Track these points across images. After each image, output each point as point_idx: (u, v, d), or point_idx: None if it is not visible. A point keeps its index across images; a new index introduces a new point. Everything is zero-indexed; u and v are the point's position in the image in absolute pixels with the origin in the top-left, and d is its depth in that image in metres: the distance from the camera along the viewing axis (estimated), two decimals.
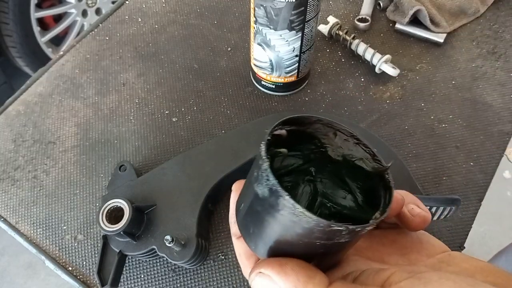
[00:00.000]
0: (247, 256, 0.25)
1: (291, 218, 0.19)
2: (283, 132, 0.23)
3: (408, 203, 0.25)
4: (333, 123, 0.23)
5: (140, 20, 0.69)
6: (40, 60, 1.53)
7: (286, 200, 0.18)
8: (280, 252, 0.22)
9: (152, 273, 0.45)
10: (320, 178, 0.25)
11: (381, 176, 0.23)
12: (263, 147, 0.21)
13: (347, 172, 0.24)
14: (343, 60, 0.62)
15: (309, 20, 0.47)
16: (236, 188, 0.27)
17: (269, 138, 0.21)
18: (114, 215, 0.41)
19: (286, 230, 0.20)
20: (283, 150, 0.24)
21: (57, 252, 0.47)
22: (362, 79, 0.60)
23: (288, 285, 0.20)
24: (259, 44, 0.51)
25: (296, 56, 0.51)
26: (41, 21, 1.55)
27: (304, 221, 0.18)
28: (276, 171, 0.24)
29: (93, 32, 0.68)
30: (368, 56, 0.59)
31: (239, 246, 0.26)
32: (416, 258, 0.24)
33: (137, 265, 0.46)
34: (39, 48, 1.53)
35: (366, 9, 0.67)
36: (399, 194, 0.24)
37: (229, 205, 0.48)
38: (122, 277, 0.44)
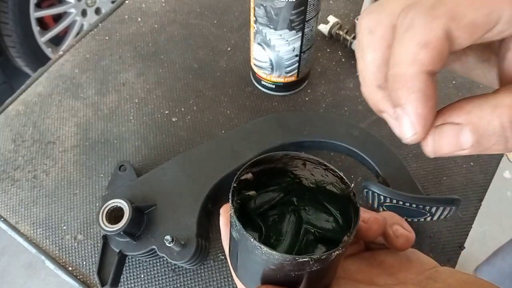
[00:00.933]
0: None
1: (261, 257, 0.21)
2: (249, 176, 0.25)
3: (393, 224, 0.26)
4: (300, 155, 0.25)
5: (139, 19, 0.69)
6: (39, 60, 1.53)
7: (252, 242, 0.20)
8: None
9: (152, 273, 0.45)
10: (303, 206, 0.26)
11: (348, 197, 0.24)
12: (230, 195, 0.22)
13: (323, 197, 0.26)
14: (343, 60, 0.62)
15: (309, 19, 0.47)
16: (224, 212, 0.28)
17: (234, 185, 0.23)
18: (114, 215, 0.41)
19: (263, 266, 0.22)
20: (252, 192, 0.25)
21: (57, 252, 0.47)
22: None
23: None
24: (259, 44, 0.51)
25: (296, 56, 0.51)
26: (40, 21, 1.55)
27: (273, 258, 0.20)
28: (257, 208, 0.26)
29: (92, 32, 0.68)
30: None
31: None
32: (405, 277, 0.25)
33: (137, 265, 0.46)
34: (38, 48, 1.53)
35: None
36: (380, 215, 0.25)
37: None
38: (122, 277, 0.44)
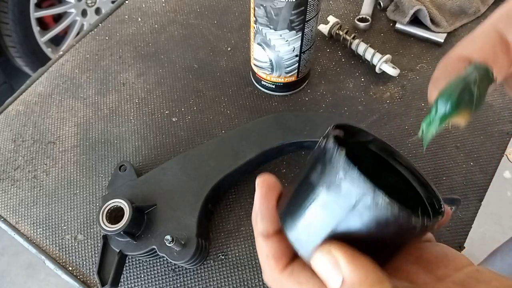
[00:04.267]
0: (277, 258, 0.24)
1: (369, 211, 0.18)
2: (340, 132, 0.23)
3: None
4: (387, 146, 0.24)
5: (140, 19, 0.69)
6: (39, 60, 1.53)
7: (368, 191, 0.18)
8: None
9: (152, 273, 0.45)
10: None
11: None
12: (330, 141, 0.20)
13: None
14: (343, 60, 0.62)
15: (309, 20, 0.47)
16: (262, 183, 0.25)
17: (336, 134, 0.21)
18: (114, 215, 0.41)
19: (359, 224, 0.19)
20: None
21: (57, 252, 0.47)
22: (362, 79, 0.60)
23: (352, 278, 0.19)
24: (259, 44, 0.51)
25: (296, 56, 0.51)
26: (40, 21, 1.55)
27: (385, 213, 0.18)
28: None
29: (92, 32, 0.68)
30: (368, 56, 0.59)
31: (269, 247, 0.24)
32: (444, 273, 0.23)
33: (137, 265, 0.46)
34: (38, 48, 1.53)
35: (366, 9, 0.67)
36: None
37: (229, 204, 0.48)
38: (122, 277, 0.44)
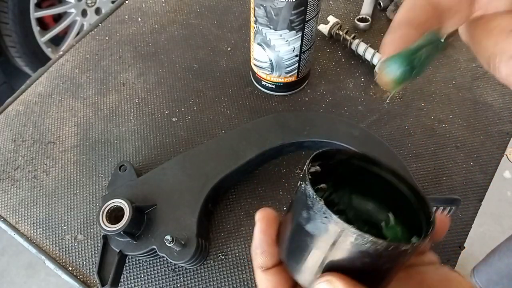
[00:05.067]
0: None
1: (352, 247, 0.20)
2: (317, 169, 0.24)
3: None
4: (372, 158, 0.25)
5: (140, 19, 0.69)
6: (39, 60, 1.53)
7: (351, 232, 0.19)
8: None
9: (152, 273, 0.45)
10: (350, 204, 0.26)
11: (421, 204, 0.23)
12: (308, 188, 0.21)
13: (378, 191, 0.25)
14: (343, 60, 0.62)
15: (309, 20, 0.47)
16: (261, 218, 0.26)
17: (310, 177, 0.22)
18: (114, 215, 0.41)
19: (350, 257, 0.21)
20: (323, 185, 0.25)
21: (57, 252, 0.47)
22: (362, 79, 0.60)
23: None
24: (259, 44, 0.51)
25: (296, 56, 0.51)
26: (40, 21, 1.55)
27: (373, 247, 0.19)
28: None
29: (92, 32, 0.68)
30: (368, 56, 0.59)
31: (268, 280, 0.25)
32: None
33: (137, 265, 0.46)
34: (38, 48, 1.53)
35: (366, 9, 0.67)
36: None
37: (229, 204, 0.48)
38: (122, 277, 0.44)
